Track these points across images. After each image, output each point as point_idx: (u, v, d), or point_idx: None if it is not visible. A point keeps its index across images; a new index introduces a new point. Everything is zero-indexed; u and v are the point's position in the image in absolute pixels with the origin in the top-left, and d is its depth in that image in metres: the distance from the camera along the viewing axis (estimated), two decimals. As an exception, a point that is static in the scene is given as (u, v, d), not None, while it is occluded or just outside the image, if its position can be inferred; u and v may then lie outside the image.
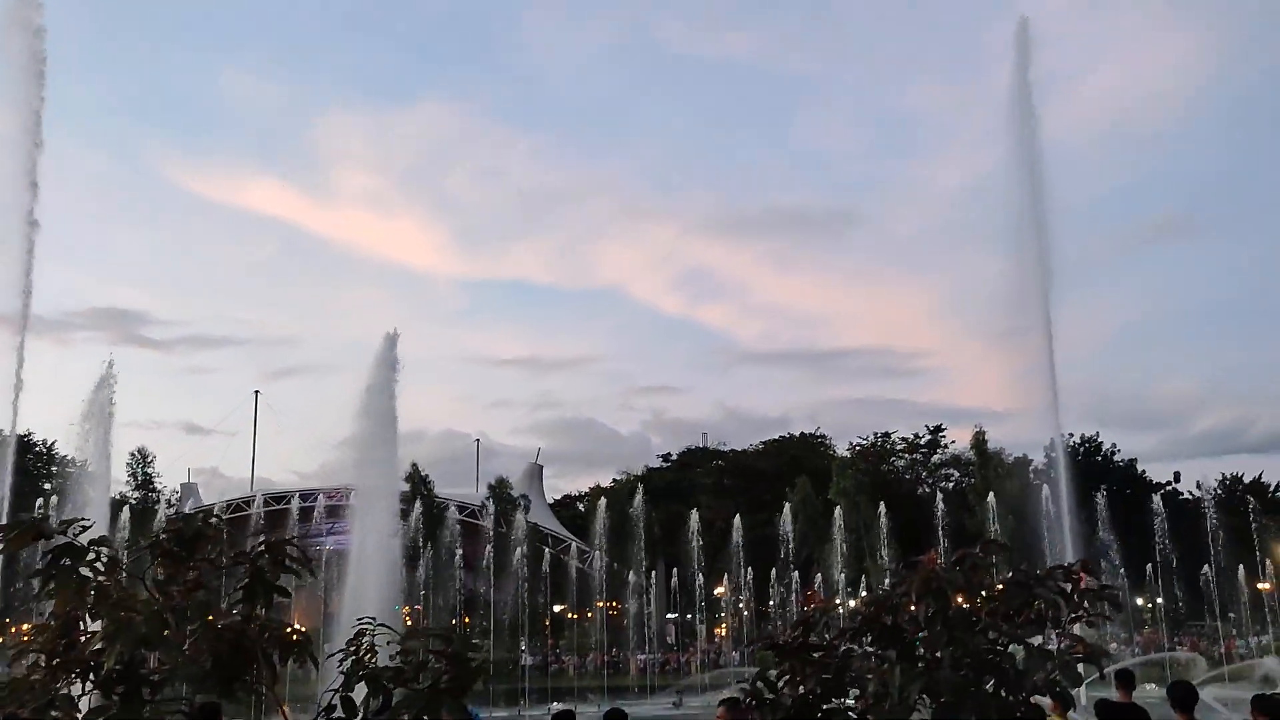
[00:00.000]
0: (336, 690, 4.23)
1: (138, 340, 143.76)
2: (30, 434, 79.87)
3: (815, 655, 5.12)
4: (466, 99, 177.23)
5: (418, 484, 74.78)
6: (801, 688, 5.09)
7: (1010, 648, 4.68)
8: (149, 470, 79.83)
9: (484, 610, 73.79)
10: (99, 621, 3.56)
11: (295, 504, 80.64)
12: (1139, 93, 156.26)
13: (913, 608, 4.59)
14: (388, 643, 4.17)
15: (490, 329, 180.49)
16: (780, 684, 5.15)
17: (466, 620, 75.23)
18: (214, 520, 3.84)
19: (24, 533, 3.45)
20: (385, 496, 34.61)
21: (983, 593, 4.66)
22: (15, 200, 34.96)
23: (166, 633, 3.54)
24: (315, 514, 75.94)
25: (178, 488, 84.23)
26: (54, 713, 3.38)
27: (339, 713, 4.29)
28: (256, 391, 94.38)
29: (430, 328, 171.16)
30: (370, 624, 4.39)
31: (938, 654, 4.46)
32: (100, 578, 3.62)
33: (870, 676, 4.66)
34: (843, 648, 5.15)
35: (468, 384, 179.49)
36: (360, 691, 4.23)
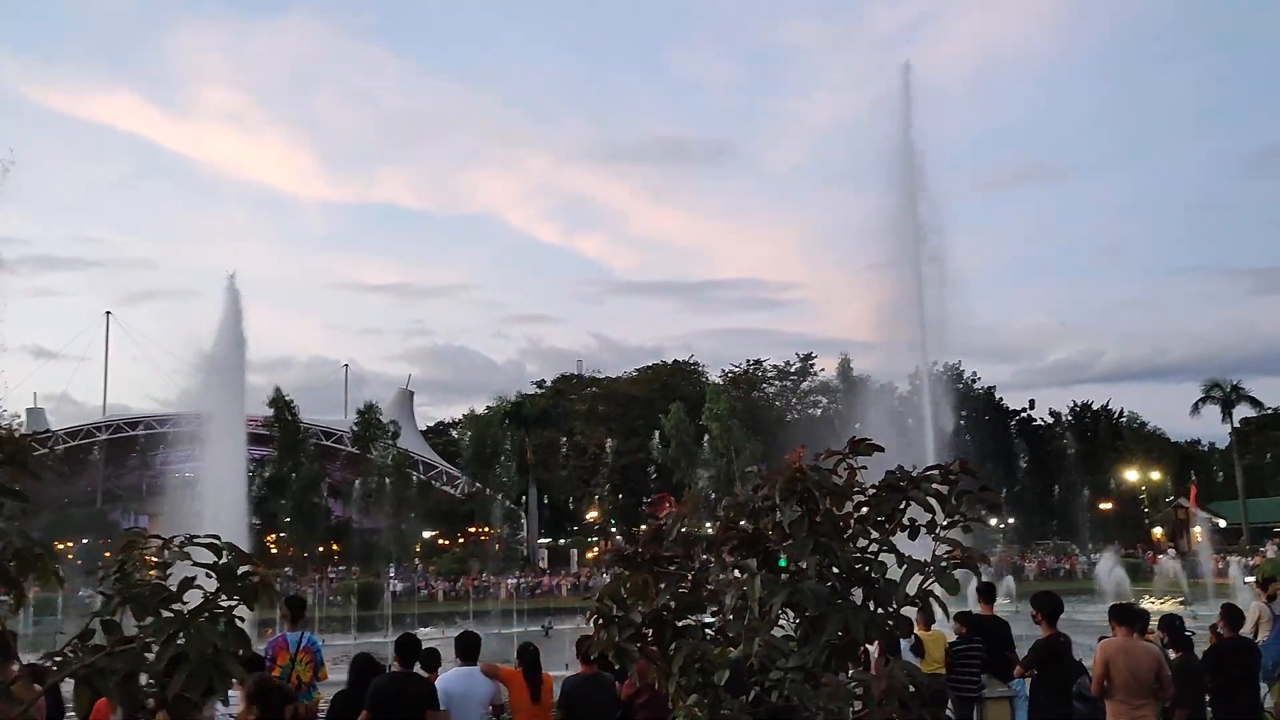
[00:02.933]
0: (95, 614, 3.51)
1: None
2: None
3: (669, 568, 4.61)
4: (334, 14, 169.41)
5: (281, 409, 72.34)
6: (653, 603, 4.59)
7: (879, 557, 4.25)
8: (-10, 393, 75.21)
9: (353, 537, 72.55)
10: None
11: (145, 431, 77.42)
12: (1008, 35, 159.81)
13: (777, 514, 4.10)
14: (152, 564, 3.45)
15: (359, 255, 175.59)
16: (631, 600, 4.64)
17: (335, 547, 73.85)
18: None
19: None
20: (230, 420, 33.24)
21: (852, 497, 4.19)
22: None
23: None
24: (166, 441, 73.13)
25: (21, 413, 79.69)
26: None
27: (98, 639, 3.57)
28: (108, 313, 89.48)
29: (296, 252, 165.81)
30: (140, 534, 3.66)
31: (803, 564, 3.98)
32: None
33: (729, 590, 4.17)
34: (699, 560, 4.66)
35: (337, 311, 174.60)
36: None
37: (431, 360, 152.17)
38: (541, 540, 77.93)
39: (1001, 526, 68.95)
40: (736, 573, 4.28)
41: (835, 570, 4.13)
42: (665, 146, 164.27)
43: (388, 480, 71.35)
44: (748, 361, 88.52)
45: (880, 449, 4.51)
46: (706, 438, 73.56)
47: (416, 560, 71.05)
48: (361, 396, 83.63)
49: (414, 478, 75.75)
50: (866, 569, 4.20)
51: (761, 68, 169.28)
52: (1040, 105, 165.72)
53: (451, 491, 78.57)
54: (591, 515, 79.34)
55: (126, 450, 79.68)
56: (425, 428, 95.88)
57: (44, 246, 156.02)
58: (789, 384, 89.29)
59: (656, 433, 76.69)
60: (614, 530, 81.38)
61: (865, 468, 4.55)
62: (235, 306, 33.25)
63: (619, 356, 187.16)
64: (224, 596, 3.33)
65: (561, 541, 79.17)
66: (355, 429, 75.87)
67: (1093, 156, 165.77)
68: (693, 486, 71.01)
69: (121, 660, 3.24)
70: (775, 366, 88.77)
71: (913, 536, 4.35)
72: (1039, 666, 9.81)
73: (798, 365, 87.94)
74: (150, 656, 3.24)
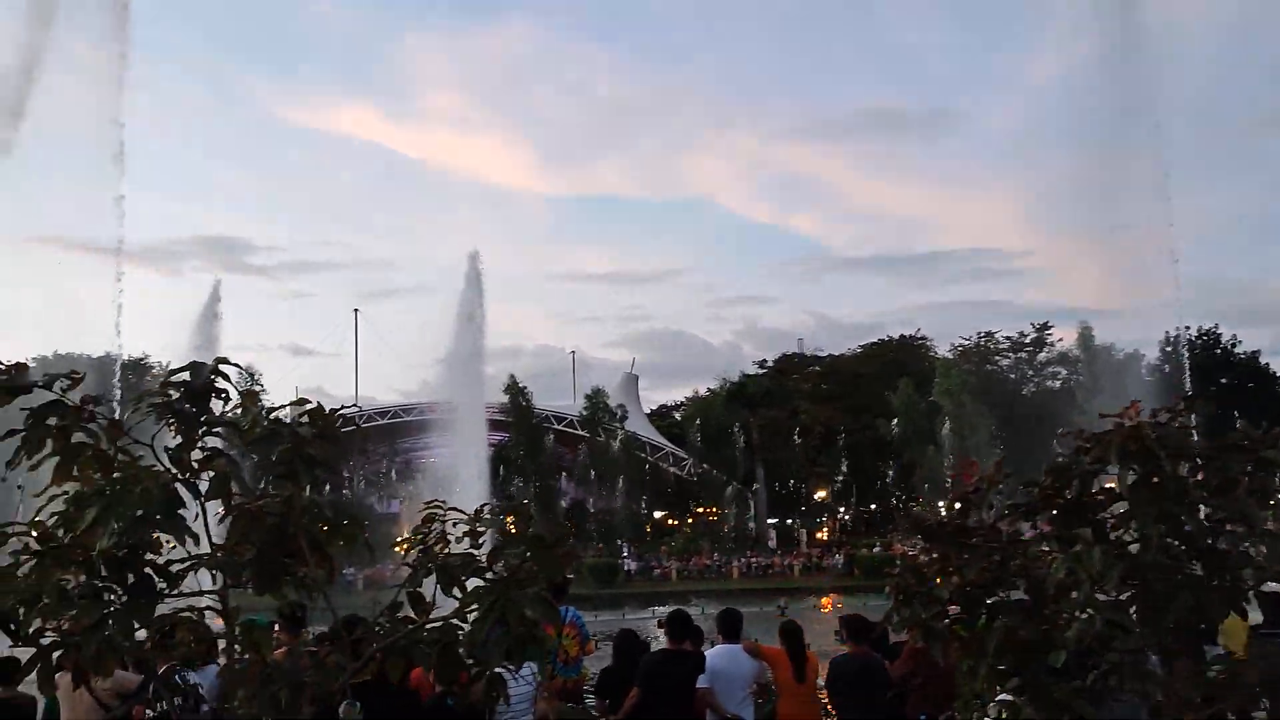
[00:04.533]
0: (403, 585, 3.52)
1: (241, 267, 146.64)
2: (146, 357, 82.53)
3: (973, 540, 4.26)
4: (547, 14, 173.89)
5: (516, 396, 75.21)
6: (955, 578, 4.25)
7: (1227, 527, 3.75)
8: (258, 388, 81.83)
9: (586, 517, 74.54)
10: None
11: (392, 420, 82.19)
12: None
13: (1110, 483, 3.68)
14: (463, 533, 3.43)
15: (579, 245, 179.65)
16: (933, 575, 4.32)
17: (571, 527, 76.11)
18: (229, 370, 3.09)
19: (12, 391, 2.75)
20: (472, 408, 34.61)
21: (1195, 459, 3.71)
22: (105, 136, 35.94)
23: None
24: (413, 429, 77.43)
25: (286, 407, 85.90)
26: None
27: (406, 611, 3.58)
28: (355, 310, 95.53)
29: (520, 246, 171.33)
30: (441, 507, 3.66)
31: (1143, 533, 3.54)
32: (100, 444, 2.93)
33: (1054, 562, 3.77)
34: (1007, 531, 4.27)
35: (560, 300, 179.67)
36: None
37: (650, 345, 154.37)
38: (770, 521, 77.63)
39: None
40: (1059, 543, 3.89)
41: (1176, 542, 3.68)
42: (879, 117, 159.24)
43: (617, 462, 72.84)
44: (978, 334, 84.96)
45: (1209, 400, 3.96)
46: (940, 414, 71.03)
47: (648, 540, 72.19)
48: (587, 382, 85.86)
49: (642, 459, 77.01)
50: (1211, 541, 3.72)
51: (975, 25, 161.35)
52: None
53: (679, 473, 79.40)
54: (819, 495, 78.37)
55: (376, 438, 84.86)
56: (649, 411, 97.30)
57: (297, 253, 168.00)
58: (1024, 356, 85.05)
59: (885, 410, 74.77)
60: (842, 511, 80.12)
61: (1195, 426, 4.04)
62: (477, 294, 34.20)
63: (839, 334, 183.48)
64: (529, 565, 3.25)
65: (790, 522, 78.61)
66: (584, 413, 77.85)
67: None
68: (924, 466, 68.88)
69: (438, 631, 3.21)
70: (1008, 338, 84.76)
71: (1264, 504, 3.83)
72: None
73: (1033, 336, 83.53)
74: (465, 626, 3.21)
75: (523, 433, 74.69)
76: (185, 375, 2.99)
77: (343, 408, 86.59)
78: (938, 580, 4.35)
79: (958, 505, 4.27)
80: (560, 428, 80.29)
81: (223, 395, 3.15)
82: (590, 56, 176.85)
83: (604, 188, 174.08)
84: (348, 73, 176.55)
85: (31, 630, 2.79)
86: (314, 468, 3.45)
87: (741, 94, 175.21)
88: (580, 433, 78.12)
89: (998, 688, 4.07)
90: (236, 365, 3.10)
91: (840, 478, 76.31)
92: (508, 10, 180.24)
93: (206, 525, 3.28)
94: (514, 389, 75.50)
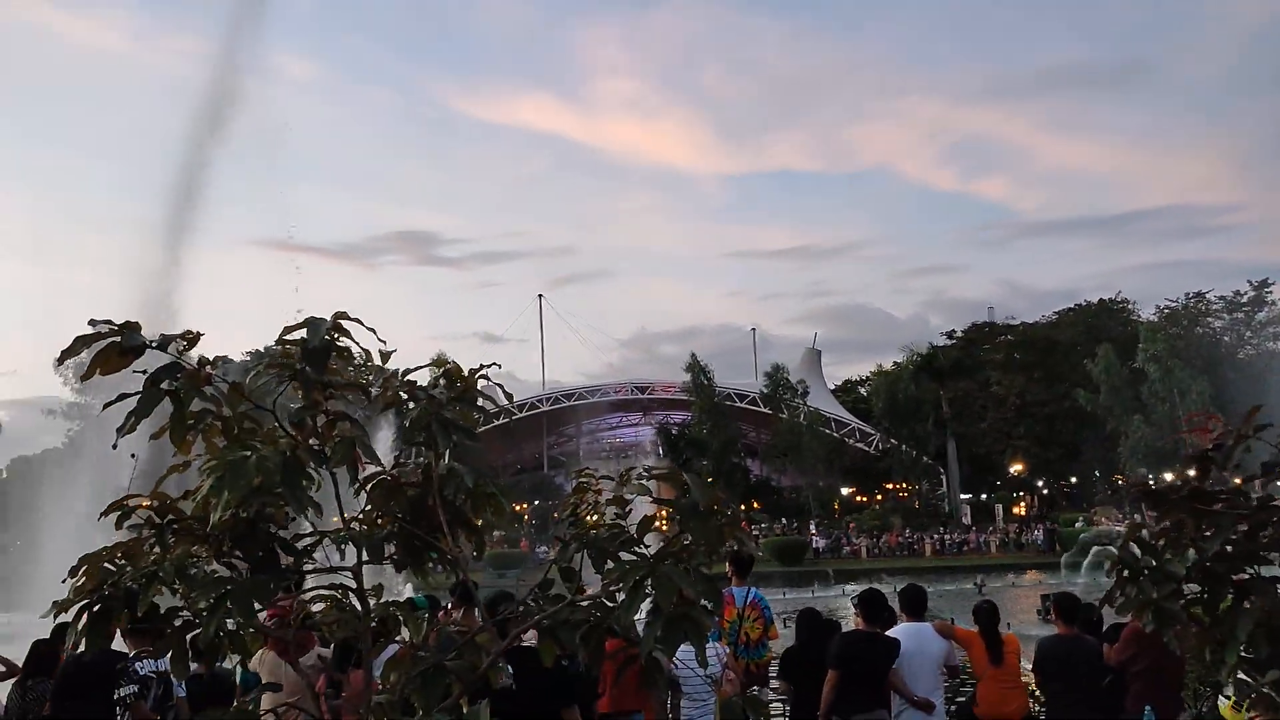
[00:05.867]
0: (553, 561, 3.20)
1: (433, 260, 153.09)
2: (347, 349, 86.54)
3: (1216, 507, 3.61)
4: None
5: (697, 374, 75.21)
6: (1192, 551, 3.63)
7: None
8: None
9: (772, 495, 73.91)
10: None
11: (578, 402, 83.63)
12: None
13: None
14: (606, 502, 3.07)
15: (757, 222, 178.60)
16: (1162, 547, 3.71)
17: (755, 505, 75.59)
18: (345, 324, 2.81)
19: (111, 349, 2.54)
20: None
21: None
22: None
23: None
24: (595, 410, 78.71)
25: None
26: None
27: (557, 588, 3.26)
28: (540, 295, 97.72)
29: (698, 225, 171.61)
30: (592, 475, 3.31)
31: None
32: (221, 410, 2.71)
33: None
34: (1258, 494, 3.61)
35: (739, 278, 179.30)
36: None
37: (833, 320, 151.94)
38: (964, 496, 74.92)
39: None
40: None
41: None
42: (1065, 73, 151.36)
43: (802, 438, 71.79)
44: (1186, 295, 79.24)
45: None
46: (1145, 381, 66.71)
47: (836, 516, 70.90)
48: (768, 360, 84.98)
49: (827, 435, 75.64)
50: None
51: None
52: None
53: (865, 448, 77.61)
54: (1015, 469, 75.07)
55: (563, 420, 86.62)
56: (833, 387, 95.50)
57: (484, 244, 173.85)
58: (1240, 316, 78.82)
59: (1084, 379, 70.75)
60: (1040, 484, 76.48)
61: None
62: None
63: (1031, 302, 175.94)
64: (687, 540, 2.86)
65: (985, 496, 75.63)
66: (765, 390, 77.11)
67: None
68: (1128, 435, 64.88)
69: (585, 610, 2.87)
70: (1221, 298, 78.72)
71: None
72: None
73: (1249, 295, 77.29)
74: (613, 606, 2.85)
75: (705, 411, 74.60)
76: (301, 333, 2.73)
77: (541, 398, 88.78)
78: (1169, 555, 3.72)
79: (1194, 468, 3.63)
80: (743, 405, 79.81)
81: (347, 355, 2.89)
82: (761, 31, 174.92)
83: (781, 163, 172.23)
84: (523, 65, 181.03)
85: (144, 611, 2.59)
86: (452, 433, 3.16)
87: (918, 58, 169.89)
88: (763, 409, 77.42)
89: (1253, 678, 3.43)
90: (359, 321, 2.82)
91: (1034, 449, 72.78)
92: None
93: (338, 495, 3.04)
94: (695, 367, 75.51)
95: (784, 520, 70.27)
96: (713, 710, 8.20)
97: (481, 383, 3.36)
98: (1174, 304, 78.87)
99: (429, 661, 2.98)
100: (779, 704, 9.34)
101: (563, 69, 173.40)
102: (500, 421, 77.01)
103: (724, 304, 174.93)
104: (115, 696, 6.92)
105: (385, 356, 3.14)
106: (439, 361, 3.15)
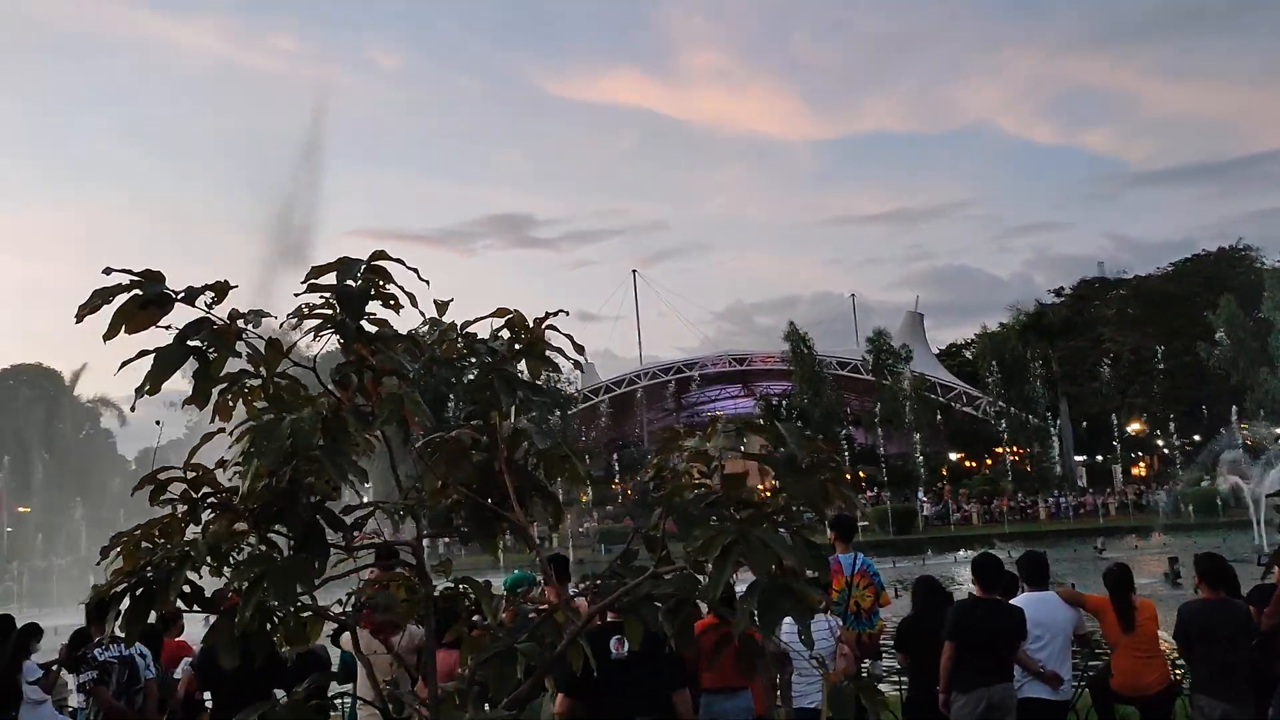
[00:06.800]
0: (636, 530, 2.85)
1: (528, 241, 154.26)
2: (393, 297, 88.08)
3: None
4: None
5: (797, 343, 74.19)
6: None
7: None
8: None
9: (878, 463, 72.70)
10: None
11: (676, 376, 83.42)
12: None
13: None
14: (688, 459, 2.69)
15: (852, 187, 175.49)
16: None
17: (862, 474, 74.38)
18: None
19: (145, 305, 2.25)
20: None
21: None
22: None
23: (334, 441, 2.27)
24: (693, 384, 78.23)
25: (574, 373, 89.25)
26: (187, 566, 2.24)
27: (642, 558, 2.92)
28: (634, 271, 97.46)
29: (792, 194, 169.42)
30: (672, 430, 2.95)
31: None
32: (259, 368, 2.41)
33: None
34: None
35: (836, 245, 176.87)
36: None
37: (934, 283, 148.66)
38: (1078, 458, 72.51)
39: None
40: None
41: None
42: (1173, 13, 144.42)
43: (906, 403, 70.31)
44: (1314, 238, 75.17)
45: None
46: (1272, 331, 63.46)
47: (945, 483, 69.29)
48: (868, 326, 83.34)
49: (932, 400, 73.91)
50: None
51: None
52: None
53: (974, 412, 75.62)
54: (1133, 428, 72.30)
55: (662, 394, 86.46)
56: (937, 351, 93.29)
57: (577, 223, 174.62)
58: (1372, 258, 74.42)
59: (1204, 332, 67.63)
60: (1161, 444, 73.55)
61: None
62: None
63: (1143, 255, 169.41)
64: (783, 498, 2.48)
65: (1100, 458, 73.04)
66: (867, 356, 75.68)
67: None
68: (1255, 389, 61.88)
69: (671, 585, 2.51)
70: (1353, 240, 74.57)
71: None
72: None
73: (1387, 234, 72.92)
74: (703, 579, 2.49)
75: (805, 380, 73.60)
76: (333, 276, 2.41)
77: (639, 374, 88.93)
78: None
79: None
80: (844, 373, 78.52)
81: (393, 303, 2.56)
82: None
83: (875, 126, 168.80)
84: (609, 41, 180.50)
85: (175, 595, 2.32)
86: (517, 389, 2.82)
87: (1011, 9, 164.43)
88: (865, 376, 76.04)
89: None
90: (400, 261, 2.49)
91: (1154, 407, 69.92)
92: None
93: (393, 462, 2.73)
94: (794, 336, 74.50)
95: (895, 487, 69.03)
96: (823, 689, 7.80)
97: (557, 340, 3.02)
98: (1300, 249, 74.87)
99: (501, 645, 2.66)
100: (896, 678, 8.89)
101: (648, 43, 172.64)
102: (600, 399, 77.25)
103: (821, 272, 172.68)
104: (77, 683, 6.95)
105: (442, 307, 2.82)
106: (500, 310, 2.80)
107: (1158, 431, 70.77)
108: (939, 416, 72.80)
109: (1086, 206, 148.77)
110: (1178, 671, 8.34)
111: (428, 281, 2.46)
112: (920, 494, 64.64)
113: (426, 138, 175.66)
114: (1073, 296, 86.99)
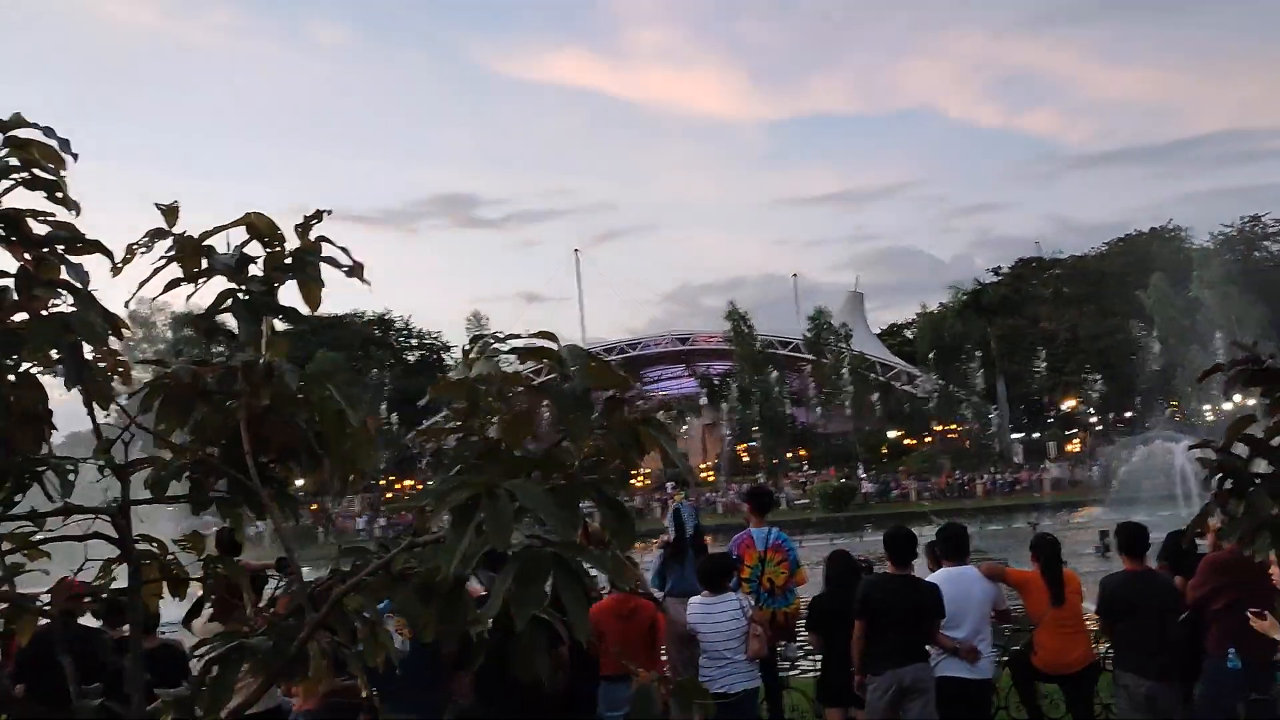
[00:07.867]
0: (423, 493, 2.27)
1: (472, 222, 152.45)
2: (388, 311, 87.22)
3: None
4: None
5: (736, 323, 74.08)
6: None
7: None
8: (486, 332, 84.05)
9: (819, 442, 72.87)
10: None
11: (620, 356, 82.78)
12: None
13: None
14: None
15: (798, 168, 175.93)
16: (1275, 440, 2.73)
17: (803, 452, 74.45)
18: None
19: None
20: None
21: None
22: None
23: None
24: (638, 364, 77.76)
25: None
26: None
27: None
28: (576, 250, 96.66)
29: (738, 175, 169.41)
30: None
31: None
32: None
33: None
34: None
35: (781, 226, 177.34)
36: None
37: (878, 264, 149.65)
38: (1015, 435, 73.25)
39: None
40: None
41: None
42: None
43: (846, 383, 70.55)
44: (1242, 219, 76.49)
45: None
46: (1200, 309, 64.50)
47: (884, 460, 69.62)
48: (812, 307, 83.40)
49: (872, 379, 74.25)
50: None
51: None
52: None
53: (913, 391, 76.08)
54: (1068, 405, 73.18)
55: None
56: (879, 331, 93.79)
57: (523, 203, 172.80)
58: (1299, 240, 75.91)
59: (1137, 310, 68.55)
60: (1094, 420, 74.52)
61: None
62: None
63: (1081, 236, 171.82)
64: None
65: (1036, 435, 73.86)
66: (807, 335, 75.79)
67: None
68: (1187, 365, 62.82)
69: (420, 558, 1.94)
70: (1278, 221, 75.90)
71: None
72: None
73: (1310, 217, 74.38)
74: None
75: (746, 359, 73.52)
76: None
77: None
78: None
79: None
80: (786, 353, 78.53)
81: (60, 196, 1.95)
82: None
83: (820, 107, 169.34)
84: (555, 19, 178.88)
85: None
86: (262, 316, 2.23)
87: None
88: (805, 355, 76.12)
89: None
90: (44, 127, 1.87)
91: (1095, 384, 70.76)
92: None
93: (91, 411, 2.13)
94: (734, 315, 74.36)
95: (835, 465, 69.20)
96: (741, 669, 7.32)
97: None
98: (1229, 229, 76.19)
99: (229, 643, 2.07)
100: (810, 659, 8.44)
101: (595, 21, 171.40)
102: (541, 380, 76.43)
103: (768, 253, 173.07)
104: None
105: (172, 213, 2.20)
106: (243, 220, 2.20)
107: (1090, 409, 71.72)
108: (877, 395, 73.16)
109: (1027, 188, 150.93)
110: (1100, 647, 7.98)
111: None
112: (860, 471, 64.89)
113: (368, 116, 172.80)
114: (1010, 276, 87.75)
